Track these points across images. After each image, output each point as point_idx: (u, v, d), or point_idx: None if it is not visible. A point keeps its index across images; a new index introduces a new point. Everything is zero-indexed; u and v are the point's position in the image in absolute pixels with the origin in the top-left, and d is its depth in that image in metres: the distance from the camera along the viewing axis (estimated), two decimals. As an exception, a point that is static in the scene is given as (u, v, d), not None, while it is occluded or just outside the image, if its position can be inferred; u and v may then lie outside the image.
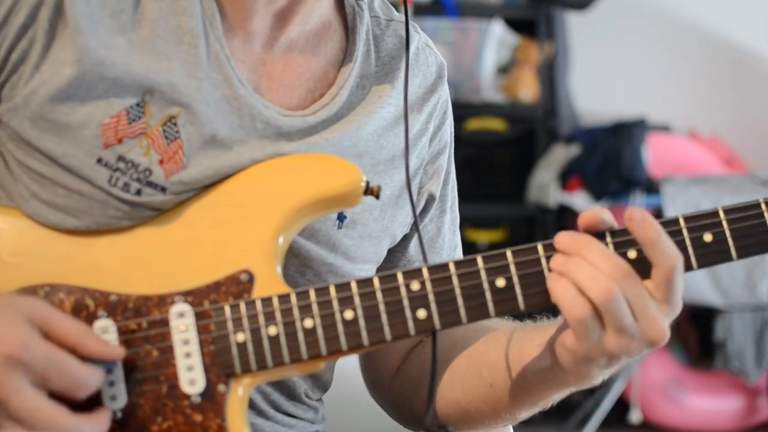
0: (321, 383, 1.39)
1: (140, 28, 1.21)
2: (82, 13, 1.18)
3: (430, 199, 1.41)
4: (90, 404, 1.12)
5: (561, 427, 3.98)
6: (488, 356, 1.31)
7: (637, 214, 1.15)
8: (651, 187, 4.09)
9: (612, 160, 4.09)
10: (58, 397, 1.08)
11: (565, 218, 4.31)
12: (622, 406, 4.12)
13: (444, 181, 1.42)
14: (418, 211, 1.39)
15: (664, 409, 4.12)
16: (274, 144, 1.25)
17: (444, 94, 1.42)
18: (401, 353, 1.43)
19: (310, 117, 1.28)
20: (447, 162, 1.43)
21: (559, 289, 1.14)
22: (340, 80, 1.32)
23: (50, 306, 1.12)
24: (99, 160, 1.18)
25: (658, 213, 4.11)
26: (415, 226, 1.35)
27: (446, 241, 1.44)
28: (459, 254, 1.47)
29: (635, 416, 4.10)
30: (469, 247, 4.30)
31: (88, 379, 1.09)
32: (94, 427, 1.09)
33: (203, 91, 1.22)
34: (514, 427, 1.51)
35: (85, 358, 1.10)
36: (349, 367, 1.47)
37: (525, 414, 1.31)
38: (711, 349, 4.10)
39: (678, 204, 4.02)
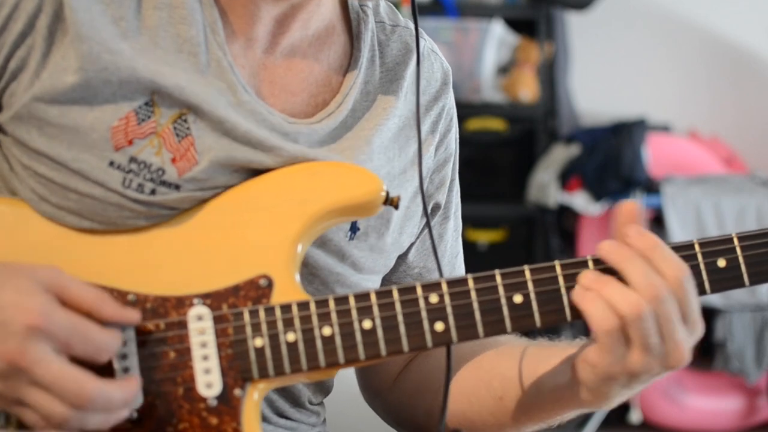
0: (323, 388, 1.40)
1: (140, 36, 1.20)
2: (83, 20, 1.17)
3: (436, 207, 1.41)
4: None
5: (561, 427, 3.98)
6: (499, 369, 1.31)
7: (632, 230, 1.16)
8: (651, 187, 4.09)
9: (612, 160, 4.09)
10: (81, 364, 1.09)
11: (565, 218, 4.31)
12: (622, 406, 4.09)
13: (449, 188, 1.42)
14: (423, 219, 1.39)
15: (664, 409, 4.12)
16: (285, 143, 1.24)
17: (449, 101, 1.41)
18: (401, 361, 1.43)
19: (317, 125, 1.27)
20: (452, 170, 1.42)
21: (587, 302, 1.15)
22: (344, 88, 1.31)
23: (64, 273, 1.12)
24: (111, 163, 1.18)
25: (658, 213, 4.12)
26: (429, 235, 1.34)
27: (448, 248, 1.44)
28: (460, 261, 1.47)
29: (635, 416, 4.10)
30: (469, 247, 4.30)
31: (109, 343, 1.10)
32: (122, 392, 1.10)
33: (206, 94, 1.21)
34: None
35: (102, 322, 1.11)
36: (350, 370, 1.47)
37: (531, 428, 1.32)
38: (711, 349, 4.10)
39: (678, 204, 4.03)
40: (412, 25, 1.38)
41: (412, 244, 1.40)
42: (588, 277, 1.16)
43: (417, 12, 1.34)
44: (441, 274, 1.26)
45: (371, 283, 1.34)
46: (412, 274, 1.41)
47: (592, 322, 1.14)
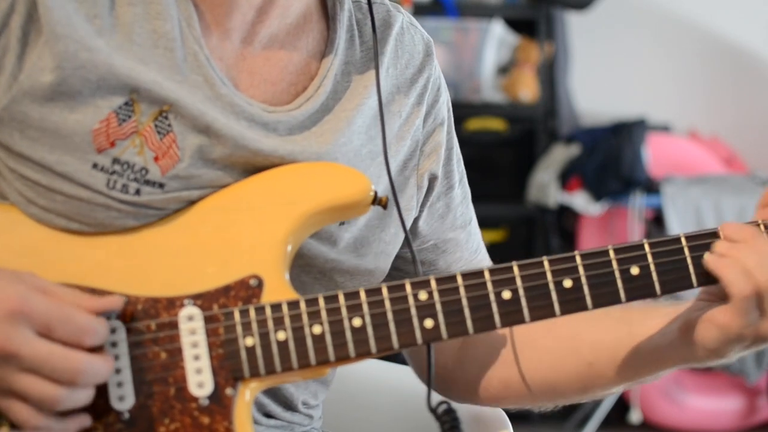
0: (324, 381, 1.40)
1: (115, 33, 1.20)
2: (58, 18, 1.17)
3: (433, 178, 1.39)
4: (97, 404, 1.12)
5: (561, 427, 3.98)
6: (587, 335, 1.33)
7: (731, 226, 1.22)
8: (651, 187, 4.10)
9: (612, 160, 4.10)
10: None
11: (565, 218, 4.32)
12: (622, 406, 4.12)
13: (446, 157, 1.41)
14: (422, 193, 1.39)
15: (664, 409, 4.12)
16: (266, 137, 1.24)
17: (435, 72, 1.40)
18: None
19: (296, 111, 1.27)
20: (446, 138, 1.41)
21: (724, 266, 1.18)
22: (322, 71, 1.31)
23: (38, 276, 1.12)
24: (94, 166, 1.18)
25: (658, 213, 4.12)
26: (406, 240, 1.34)
27: (458, 216, 1.43)
28: (475, 227, 1.47)
29: (635, 416, 4.10)
30: (469, 247, 4.30)
31: (91, 324, 1.10)
32: (106, 364, 1.11)
33: (184, 92, 1.21)
34: (514, 426, 1.51)
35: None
36: (348, 367, 1.47)
37: (620, 388, 1.35)
38: (711, 349, 4.09)
39: (678, 204, 4.03)
40: (387, 1, 1.38)
41: (416, 219, 1.39)
42: (723, 245, 1.20)
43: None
44: (415, 264, 1.29)
45: (373, 266, 1.34)
46: (426, 247, 1.41)
47: (729, 287, 1.18)
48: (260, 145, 1.23)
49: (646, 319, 1.29)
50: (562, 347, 1.34)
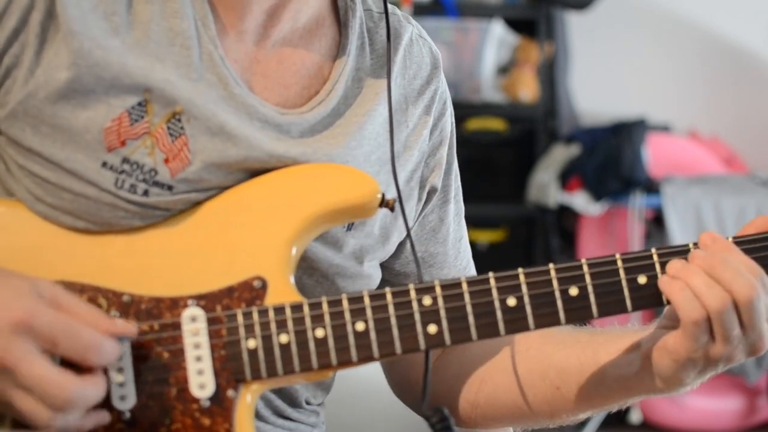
0: (323, 386, 1.40)
1: (132, 30, 1.20)
2: (74, 16, 1.17)
3: (432, 191, 1.40)
4: (99, 404, 1.11)
5: (561, 428, 3.98)
6: (555, 358, 1.31)
7: (705, 236, 1.19)
8: (651, 187, 4.09)
9: (612, 160, 4.09)
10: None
11: (565, 218, 4.31)
12: (622, 406, 4.12)
13: (446, 171, 1.42)
14: (420, 203, 1.39)
15: (664, 409, 4.12)
16: (278, 139, 1.24)
17: (442, 85, 1.41)
18: (436, 351, 1.41)
19: (308, 114, 1.28)
20: (448, 153, 1.42)
21: (676, 290, 1.16)
22: (334, 75, 1.31)
23: (62, 288, 1.12)
24: (104, 164, 1.18)
25: (658, 213, 4.12)
26: (411, 246, 1.33)
27: (450, 232, 1.43)
28: (465, 245, 1.46)
29: (635, 416, 4.10)
30: (469, 246, 4.29)
31: (98, 342, 1.08)
32: (97, 389, 1.09)
33: (198, 91, 1.21)
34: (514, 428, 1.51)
35: None
36: (351, 370, 1.47)
37: (588, 415, 1.33)
38: (711, 349, 4.09)
39: (678, 204, 4.03)
40: (398, 11, 1.40)
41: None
42: (675, 266, 1.18)
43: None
44: (417, 266, 1.29)
45: (373, 270, 1.34)
46: (414, 260, 1.40)
47: (680, 310, 1.16)
48: (273, 146, 1.23)
49: (609, 344, 1.27)
50: (531, 370, 1.33)
